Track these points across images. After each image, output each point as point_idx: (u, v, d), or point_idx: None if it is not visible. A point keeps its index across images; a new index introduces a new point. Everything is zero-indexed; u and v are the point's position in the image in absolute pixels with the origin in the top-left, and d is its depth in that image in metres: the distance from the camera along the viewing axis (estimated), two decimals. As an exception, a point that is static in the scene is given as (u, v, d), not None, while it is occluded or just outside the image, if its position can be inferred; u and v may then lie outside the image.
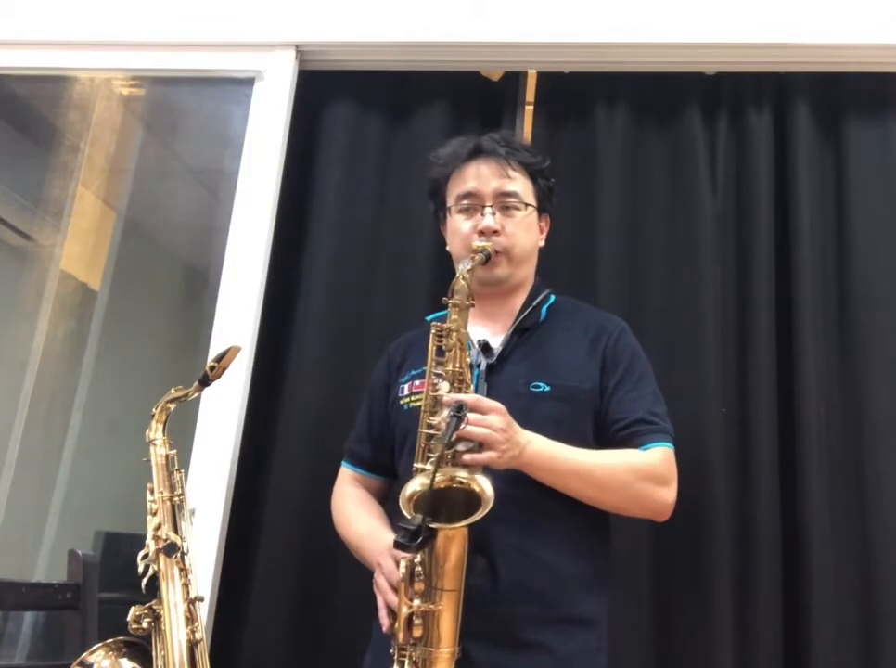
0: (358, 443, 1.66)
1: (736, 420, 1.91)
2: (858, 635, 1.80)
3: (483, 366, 1.47)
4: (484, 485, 1.25)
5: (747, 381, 1.93)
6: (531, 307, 1.56)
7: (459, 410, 1.24)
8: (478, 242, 1.49)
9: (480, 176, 1.55)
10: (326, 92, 2.22)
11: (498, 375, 1.47)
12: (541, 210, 1.62)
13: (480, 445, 1.28)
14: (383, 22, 2.14)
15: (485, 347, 1.49)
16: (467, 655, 1.28)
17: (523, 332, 1.53)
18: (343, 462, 1.68)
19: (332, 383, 2.00)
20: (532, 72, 2.19)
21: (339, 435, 1.76)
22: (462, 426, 1.25)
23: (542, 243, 1.65)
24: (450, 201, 1.60)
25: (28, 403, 2.40)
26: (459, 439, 1.27)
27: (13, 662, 2.17)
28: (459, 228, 1.56)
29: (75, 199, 2.53)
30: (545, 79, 2.19)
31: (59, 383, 2.48)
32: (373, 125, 2.20)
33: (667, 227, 2.07)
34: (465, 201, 1.56)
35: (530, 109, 2.17)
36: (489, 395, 1.38)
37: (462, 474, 1.27)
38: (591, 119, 2.14)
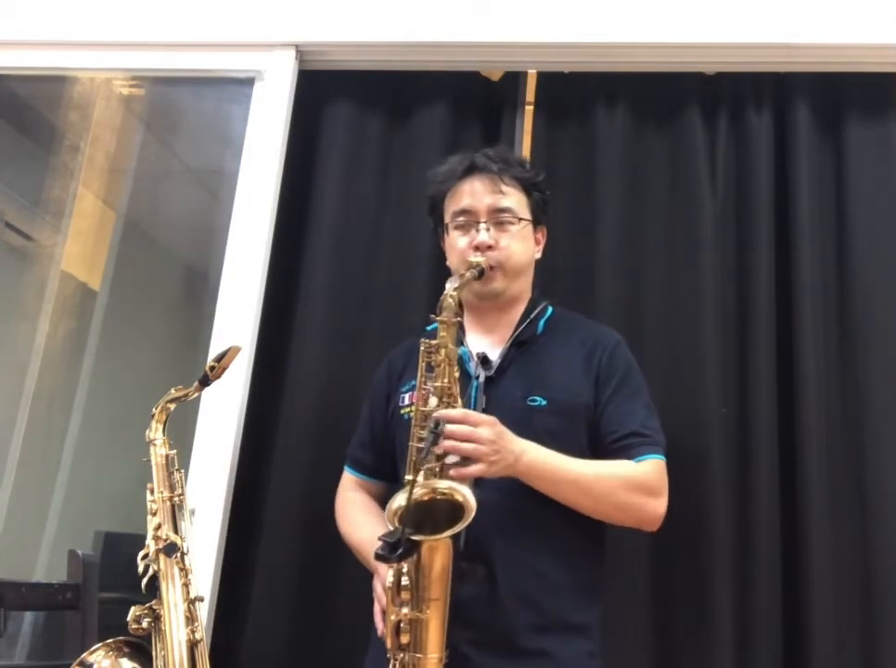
0: (360, 448, 1.67)
1: (736, 420, 1.91)
2: (858, 636, 1.80)
3: (482, 379, 1.49)
4: (467, 495, 1.26)
5: (747, 381, 1.93)
6: (528, 320, 1.58)
7: (436, 427, 1.27)
8: (473, 258, 1.52)
9: (474, 193, 1.58)
10: (327, 92, 2.22)
11: (496, 388, 1.49)
12: (536, 222, 1.63)
13: (468, 458, 1.30)
14: (383, 22, 2.14)
15: (484, 359, 1.50)
16: (468, 661, 1.32)
17: (521, 345, 1.55)
18: (346, 467, 1.69)
19: (332, 383, 1.99)
20: (532, 72, 2.19)
21: (339, 435, 1.77)
22: (440, 441, 1.27)
23: (538, 255, 1.66)
24: (447, 218, 1.62)
25: (28, 402, 2.40)
26: (447, 453, 1.30)
27: (13, 662, 2.17)
28: (456, 244, 1.58)
29: (75, 199, 2.53)
30: (545, 79, 2.19)
31: (59, 383, 2.48)
32: (373, 125, 2.20)
33: (667, 227, 2.07)
34: (460, 218, 1.59)
35: (530, 108, 2.17)
36: (487, 407, 1.41)
37: (441, 485, 1.29)
38: (591, 119, 2.14)
